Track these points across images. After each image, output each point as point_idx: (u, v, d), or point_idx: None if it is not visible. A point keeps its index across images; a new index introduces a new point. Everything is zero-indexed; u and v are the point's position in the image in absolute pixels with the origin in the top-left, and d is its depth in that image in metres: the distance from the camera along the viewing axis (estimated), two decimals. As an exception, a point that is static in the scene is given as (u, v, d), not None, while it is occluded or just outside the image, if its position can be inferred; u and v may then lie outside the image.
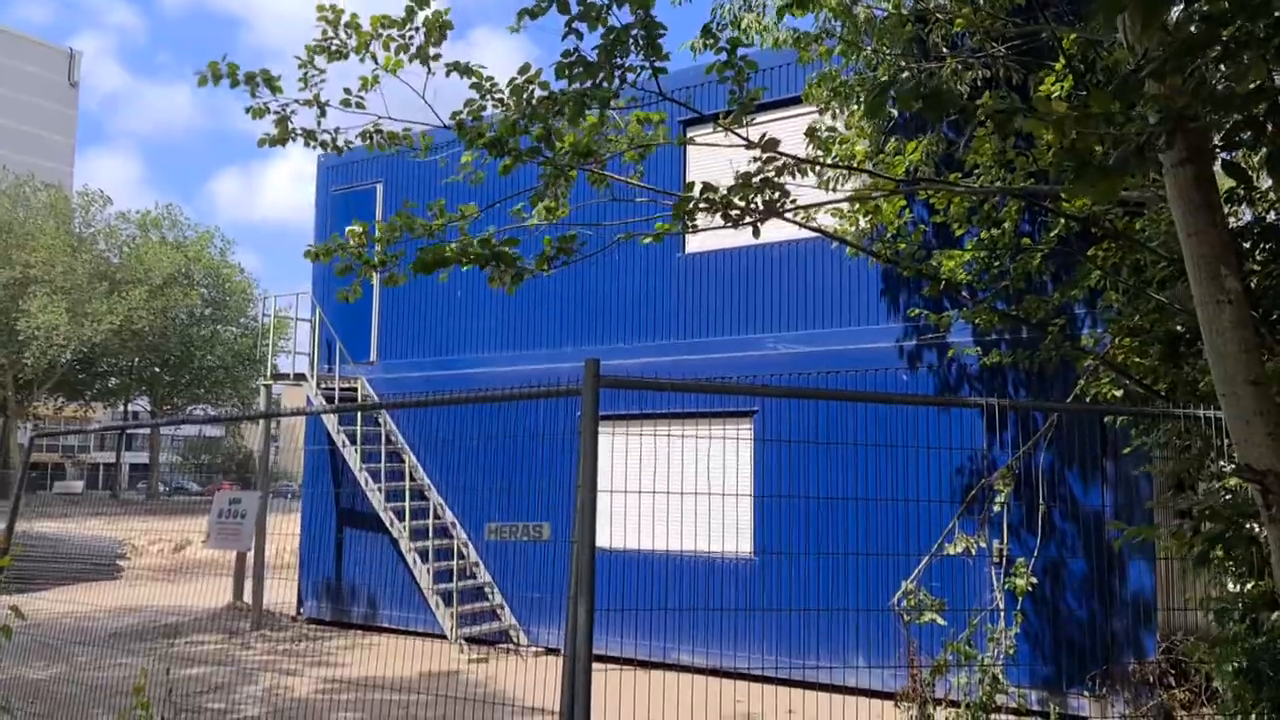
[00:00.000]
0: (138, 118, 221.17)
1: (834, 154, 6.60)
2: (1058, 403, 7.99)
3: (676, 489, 11.17)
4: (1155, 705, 8.69)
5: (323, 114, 6.71)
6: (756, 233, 5.95)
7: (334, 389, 13.89)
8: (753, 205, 5.63)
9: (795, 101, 10.71)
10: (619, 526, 11.75)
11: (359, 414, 13.55)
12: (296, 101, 6.57)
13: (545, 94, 6.18)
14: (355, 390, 14.21)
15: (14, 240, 46.08)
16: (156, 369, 53.63)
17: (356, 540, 14.43)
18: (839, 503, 10.73)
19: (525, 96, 6.18)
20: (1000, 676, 8.61)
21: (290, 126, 6.67)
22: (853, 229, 8.09)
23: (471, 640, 12.45)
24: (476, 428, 13.19)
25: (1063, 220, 7.02)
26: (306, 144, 6.86)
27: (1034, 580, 8.50)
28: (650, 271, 12.45)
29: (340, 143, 6.93)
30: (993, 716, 8.63)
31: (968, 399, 9.22)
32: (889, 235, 7.74)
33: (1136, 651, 9.15)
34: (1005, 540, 9.15)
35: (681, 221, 6.12)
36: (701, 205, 5.63)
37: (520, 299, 13.41)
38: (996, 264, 7.24)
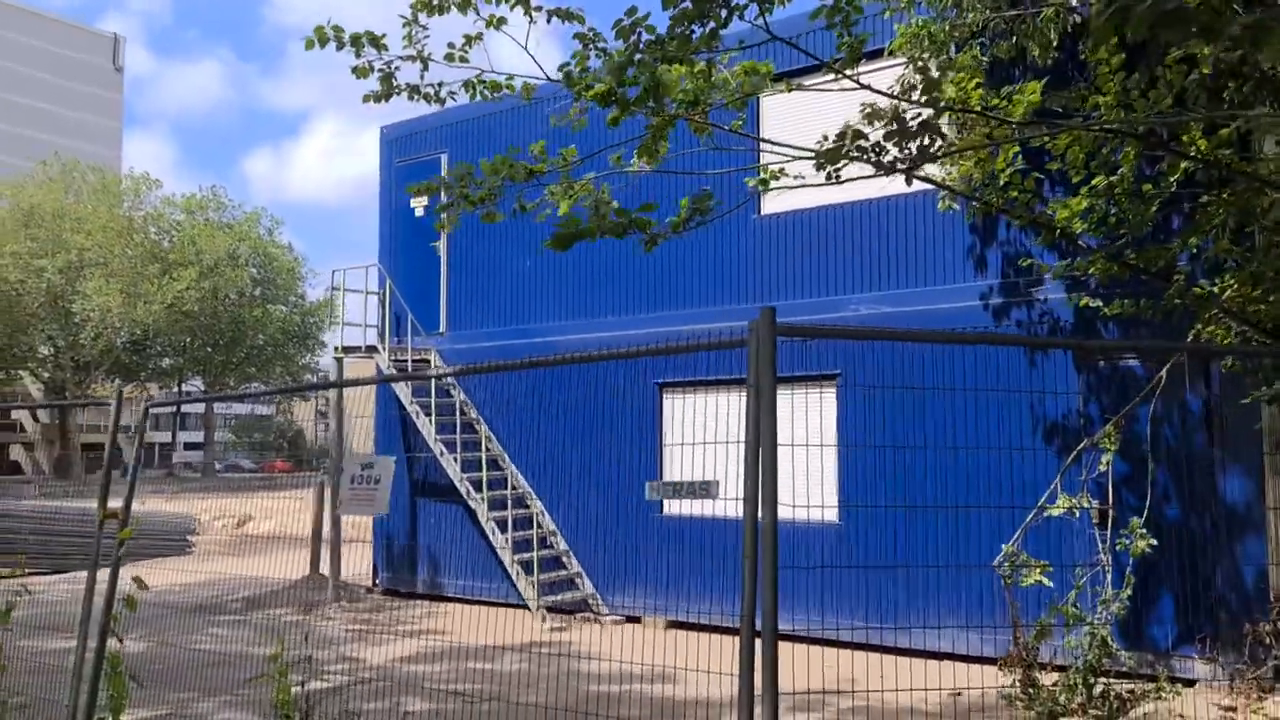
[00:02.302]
0: (169, 100, 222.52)
1: (950, 98, 6.35)
2: (1192, 343, 7.56)
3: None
4: (1275, 665, 8.45)
5: (425, 69, 6.60)
6: (909, 181, 5.75)
7: (406, 360, 13.85)
8: (907, 151, 5.42)
9: (878, 54, 10.44)
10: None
11: (432, 384, 13.52)
12: (400, 58, 6.46)
13: (652, 38, 6.02)
14: (427, 361, 14.17)
15: (68, 225, 46.71)
16: (209, 349, 54.28)
17: (429, 510, 14.45)
18: (926, 465, 10.53)
19: (631, 41, 6.02)
20: (1109, 639, 8.43)
21: (394, 83, 6.57)
22: (959, 178, 7.84)
23: (551, 609, 12.42)
24: (553, 394, 13.12)
25: (1182, 165, 6.75)
26: (410, 98, 6.76)
27: (1153, 541, 8.25)
28: (724, 235, 12.24)
29: (443, 94, 6.81)
30: (1101, 680, 8.47)
31: (1112, 341, 8.95)
32: (1001, 183, 7.50)
33: (1247, 612, 8.91)
34: (1111, 499, 8.90)
35: (827, 171, 5.93)
36: (853, 153, 5.43)
37: (590, 266, 13.30)
38: (1115, 211, 6.97)
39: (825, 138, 8.26)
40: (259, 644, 11.15)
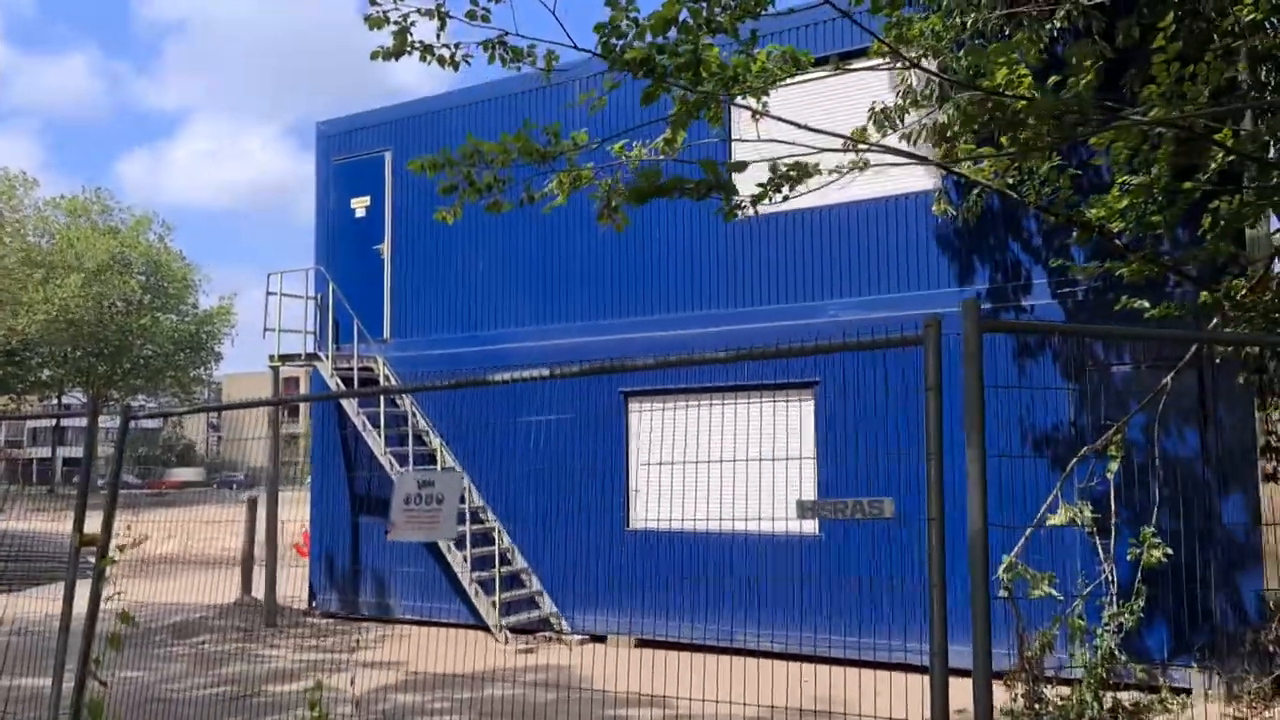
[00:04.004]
0: (34, 97, 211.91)
1: (999, 83, 6.07)
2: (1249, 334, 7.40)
3: (734, 466, 10.71)
4: (1276, 677, 8.41)
5: (443, 25, 6.03)
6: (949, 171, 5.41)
7: (351, 369, 13.07)
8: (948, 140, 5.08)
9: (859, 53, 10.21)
10: (671, 505, 11.23)
11: (381, 396, 12.78)
12: (417, 11, 5.89)
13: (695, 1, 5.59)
14: (373, 370, 13.41)
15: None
16: (93, 359, 51.53)
17: (375, 528, 13.66)
18: (910, 477, 10.30)
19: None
20: (1116, 652, 8.28)
21: (410, 38, 6.00)
22: (990, 173, 7.60)
23: (513, 630, 11.81)
24: (511, 403, 12.52)
25: (1221, 159, 6.63)
26: (423, 58, 6.18)
27: (1169, 551, 8.14)
28: (694, 238, 11.86)
29: (459, 57, 6.24)
30: (1109, 694, 8.32)
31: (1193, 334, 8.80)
32: (1039, 180, 7.29)
33: (1244, 622, 8.88)
34: (1114, 508, 8.78)
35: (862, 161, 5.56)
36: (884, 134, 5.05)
37: (550, 269, 12.78)
38: (1154, 210, 6.81)
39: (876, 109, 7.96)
40: (203, 675, 10.29)
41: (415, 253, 13.84)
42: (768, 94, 7.25)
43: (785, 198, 6.40)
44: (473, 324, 13.28)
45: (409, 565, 13.12)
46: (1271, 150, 7.03)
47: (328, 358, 13.25)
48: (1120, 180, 6.95)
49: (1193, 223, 7.36)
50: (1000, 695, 8.72)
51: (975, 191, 9.11)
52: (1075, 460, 8.97)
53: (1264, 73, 7.13)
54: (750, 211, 6.75)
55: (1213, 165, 6.89)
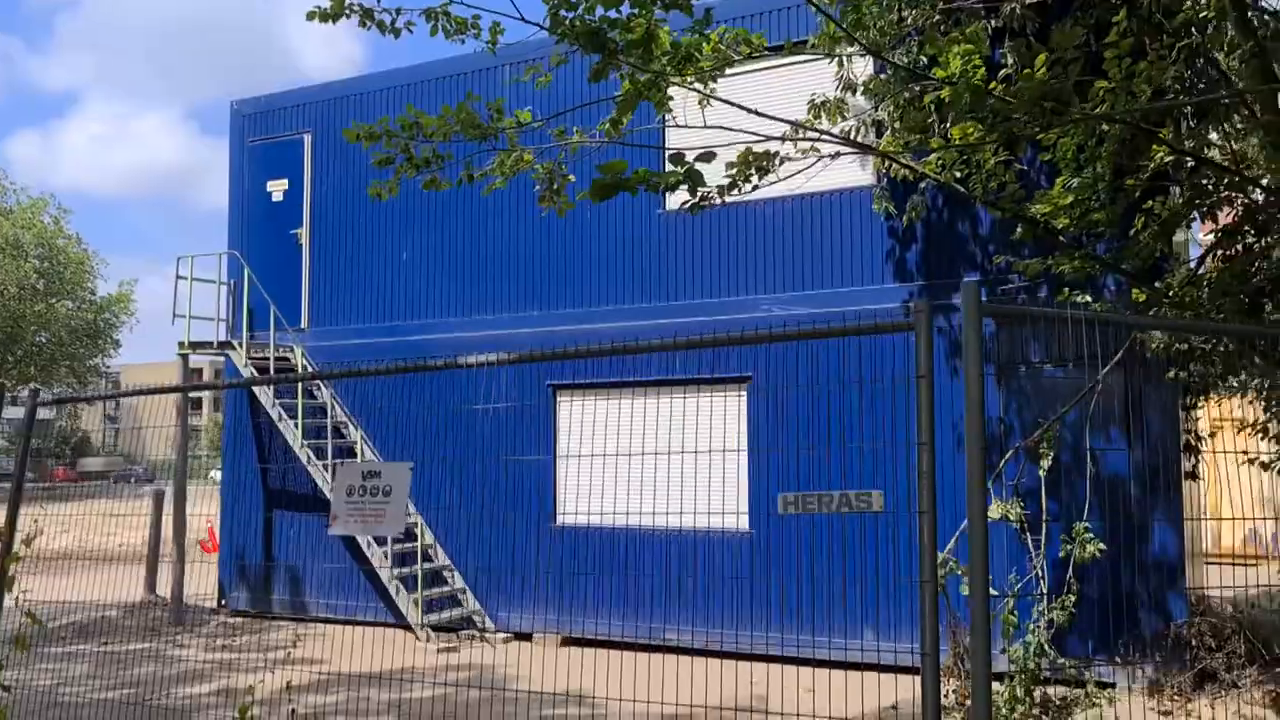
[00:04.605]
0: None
1: (953, 73, 6.01)
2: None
3: (663, 462, 10.54)
4: (1196, 671, 8.57)
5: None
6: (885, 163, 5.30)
7: (266, 358, 12.57)
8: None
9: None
10: (600, 499, 11.02)
11: (299, 385, 12.32)
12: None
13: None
14: (289, 360, 12.91)
15: None
16: (-19, 346, 49.13)
17: (289, 523, 13.19)
18: (840, 473, 10.27)
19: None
20: (1046, 647, 8.35)
21: (348, 1, 5.70)
22: (935, 167, 7.56)
23: (435, 628, 11.48)
24: (435, 395, 12.17)
25: (1158, 157, 6.69)
26: (362, 23, 5.87)
27: (1102, 546, 8.22)
28: (626, 230, 11.68)
29: (399, 24, 5.94)
30: (1038, 688, 8.37)
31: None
32: (985, 174, 7.27)
33: (1165, 618, 9.03)
34: (1045, 505, 8.85)
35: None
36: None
37: (476, 260, 12.47)
38: (1096, 208, 6.83)
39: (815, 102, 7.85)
40: (108, 677, 9.77)
41: (336, 239, 13.39)
42: (714, 80, 7.11)
43: (755, 187, 6.24)
44: (396, 314, 12.89)
45: (325, 561, 12.69)
46: (1206, 152, 7.12)
47: (241, 346, 12.72)
48: (1063, 180, 6.96)
49: (1126, 222, 7.43)
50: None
51: (922, 186, 9.09)
52: (1007, 456, 9.05)
53: (1196, 74, 7.23)
54: (717, 202, 6.57)
55: (1151, 165, 6.96)
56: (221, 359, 13.96)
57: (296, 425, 12.21)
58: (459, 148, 6.67)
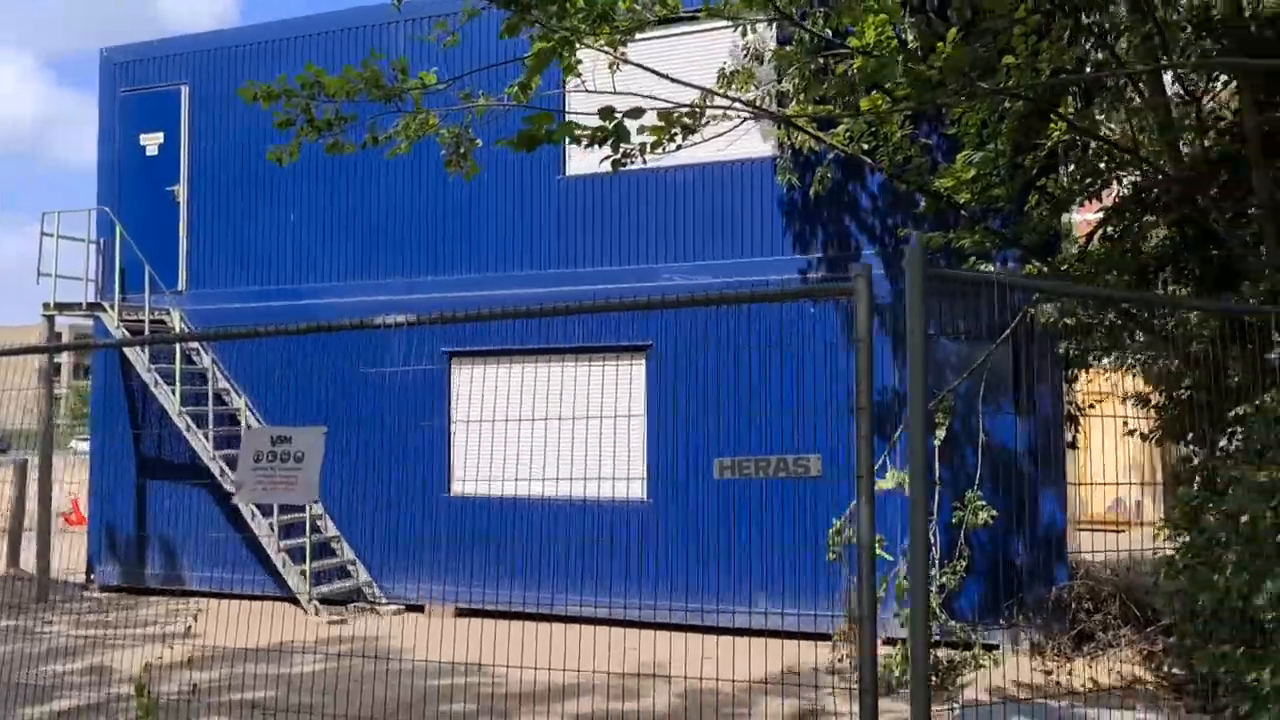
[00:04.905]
0: None
1: (868, 42, 6.03)
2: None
3: (560, 430, 10.43)
4: (1076, 633, 8.94)
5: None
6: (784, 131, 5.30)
7: (142, 321, 11.93)
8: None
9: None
10: (497, 468, 10.85)
11: (177, 349, 11.76)
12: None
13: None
14: (165, 323, 12.28)
15: None
16: None
17: (164, 493, 12.61)
18: (741, 442, 10.34)
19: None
20: (937, 611, 8.59)
21: None
22: (844, 138, 7.60)
23: (324, 601, 11.17)
24: (323, 360, 11.77)
25: (1055, 136, 6.88)
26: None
27: (994, 513, 8.47)
28: (524, 194, 11.47)
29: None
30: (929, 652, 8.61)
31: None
32: (892, 147, 7.34)
33: (1048, 581, 9.38)
34: (937, 474, 9.08)
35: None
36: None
37: (368, 223, 12.09)
38: (996, 183, 6.98)
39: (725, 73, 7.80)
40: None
41: (217, 197, 12.78)
42: (625, 44, 6.99)
43: (679, 147, 6.15)
44: (282, 277, 12.40)
45: (204, 532, 12.19)
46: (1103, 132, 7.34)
47: (113, 308, 12.05)
48: (964, 155, 7.09)
49: (1023, 198, 7.63)
50: (825, 655, 8.92)
51: (829, 159, 9.14)
52: (901, 427, 9.23)
53: (1096, 51, 7.44)
54: (638, 162, 6.44)
55: (1047, 144, 7.14)
56: (89, 321, 13.24)
57: (174, 391, 11.65)
58: (363, 109, 6.42)
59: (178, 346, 11.70)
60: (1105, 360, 8.59)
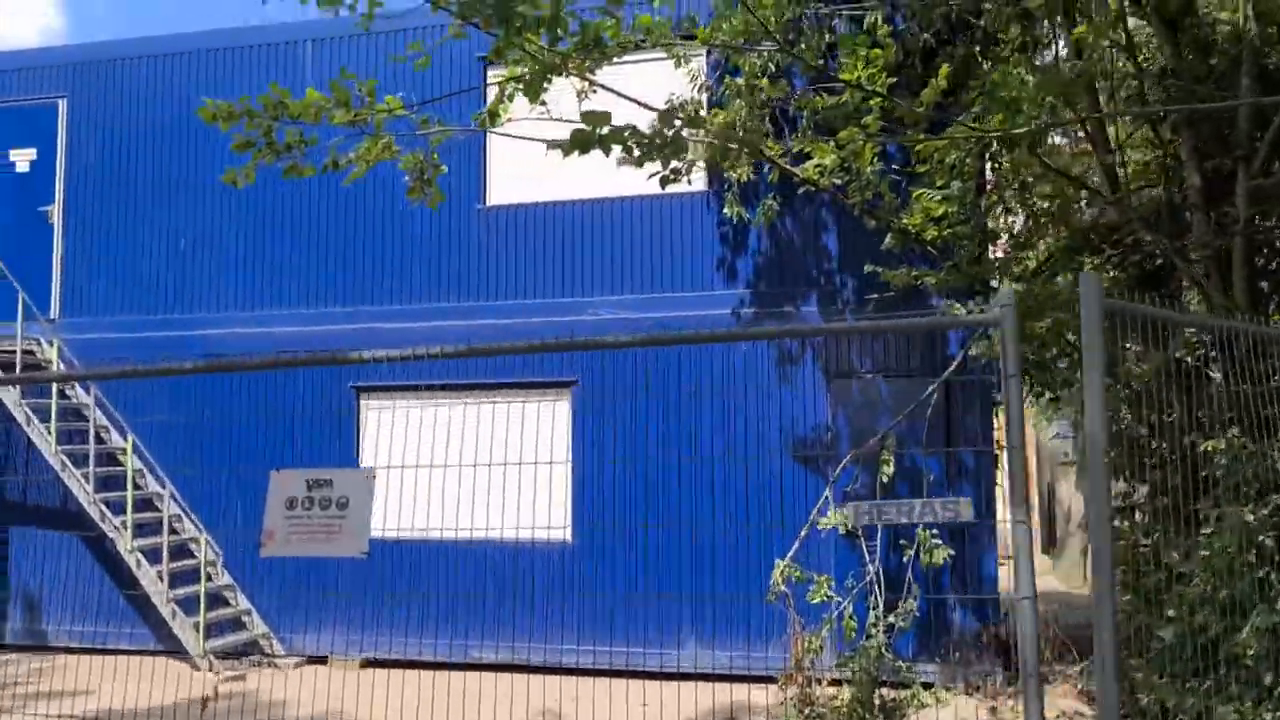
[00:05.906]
0: None
1: (859, 76, 5.95)
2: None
3: (481, 472, 9.96)
4: (1009, 670, 8.98)
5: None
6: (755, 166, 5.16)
7: (13, 351, 10.87)
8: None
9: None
10: (406, 513, 10.27)
11: (54, 384, 10.77)
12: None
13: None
14: (35, 354, 11.22)
15: None
16: None
17: (27, 541, 11.49)
18: (669, 482, 10.10)
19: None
20: (885, 651, 8.48)
21: None
22: (814, 172, 7.51)
23: (218, 655, 10.30)
24: (218, 397, 10.97)
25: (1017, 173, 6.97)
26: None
27: (951, 551, 8.44)
28: (441, 225, 10.99)
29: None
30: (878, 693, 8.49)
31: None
32: (862, 182, 7.28)
33: (981, 619, 9.43)
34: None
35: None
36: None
37: (271, 247, 11.42)
38: (961, 220, 7.00)
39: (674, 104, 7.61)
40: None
41: (98, 219, 11.84)
42: (593, 71, 6.75)
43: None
44: (170, 305, 11.54)
45: (79, 584, 11.14)
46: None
47: (-32, 336, 10.96)
48: (935, 191, 7.09)
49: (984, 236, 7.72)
50: (774, 696, 8.69)
51: (770, 196, 9.08)
52: (843, 464, 9.17)
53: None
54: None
55: (1006, 183, 7.23)
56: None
57: (49, 430, 10.64)
58: (324, 131, 5.99)
59: (53, 381, 10.71)
60: (1041, 399, 8.74)
